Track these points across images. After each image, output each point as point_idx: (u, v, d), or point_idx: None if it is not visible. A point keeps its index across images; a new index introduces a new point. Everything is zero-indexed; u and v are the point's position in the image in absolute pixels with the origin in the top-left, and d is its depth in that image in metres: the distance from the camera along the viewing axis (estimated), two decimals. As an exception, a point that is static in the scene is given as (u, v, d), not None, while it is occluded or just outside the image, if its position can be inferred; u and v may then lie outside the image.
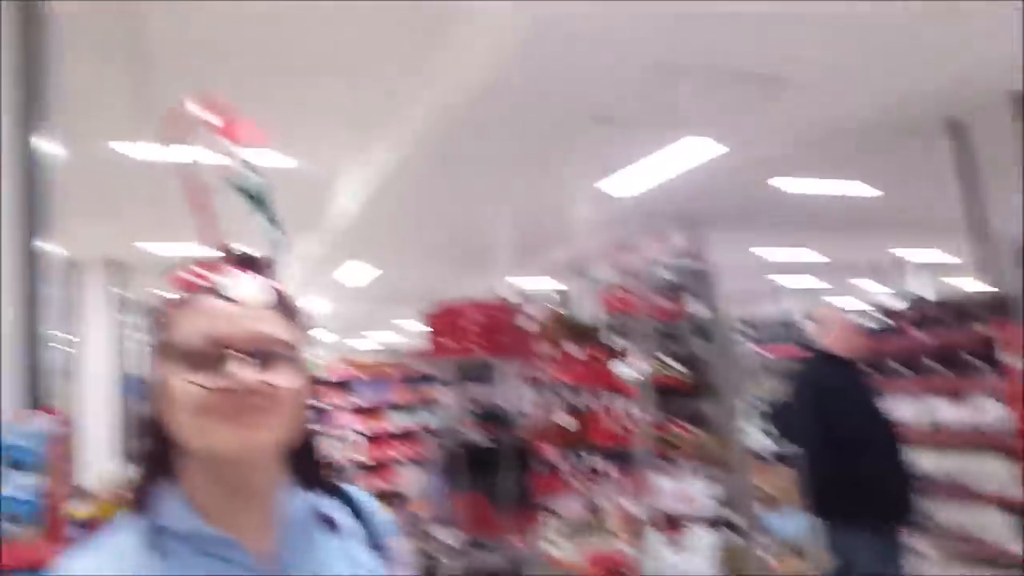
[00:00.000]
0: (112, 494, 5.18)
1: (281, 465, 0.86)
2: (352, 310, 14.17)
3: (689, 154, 5.29)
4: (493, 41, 2.96)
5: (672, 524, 3.26)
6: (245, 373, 0.77)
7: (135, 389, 11.01)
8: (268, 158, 6.05)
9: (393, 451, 9.83)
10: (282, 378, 0.80)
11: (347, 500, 0.96)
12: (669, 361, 3.26)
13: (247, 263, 0.87)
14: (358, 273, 10.06)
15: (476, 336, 4.39)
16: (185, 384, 0.78)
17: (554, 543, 3.86)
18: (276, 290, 0.86)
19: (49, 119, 2.85)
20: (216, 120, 0.88)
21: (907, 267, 13.45)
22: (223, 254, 0.86)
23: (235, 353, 0.78)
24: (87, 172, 5.46)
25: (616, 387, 3.46)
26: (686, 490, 3.17)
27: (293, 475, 0.88)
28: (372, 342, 19.48)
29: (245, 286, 0.83)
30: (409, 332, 16.62)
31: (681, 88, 4.07)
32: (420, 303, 5.58)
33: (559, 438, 3.85)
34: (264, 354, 0.79)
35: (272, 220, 0.94)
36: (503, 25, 2.83)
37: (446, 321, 4.53)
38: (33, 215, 2.69)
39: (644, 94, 4.24)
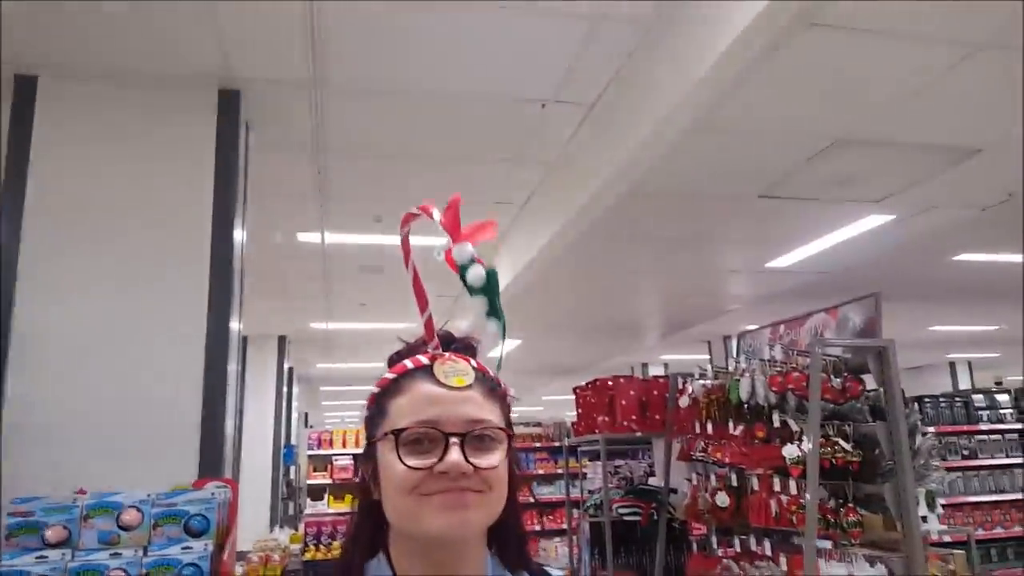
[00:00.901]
0: (264, 558, 5.56)
1: (486, 546, 0.88)
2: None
3: (863, 226, 5.12)
4: (666, 116, 3.05)
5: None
6: (459, 457, 0.79)
7: (289, 456, 11.78)
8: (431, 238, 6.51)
9: (539, 524, 9.84)
10: (492, 460, 0.82)
11: None
12: (839, 441, 3.09)
13: (459, 346, 0.92)
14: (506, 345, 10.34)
15: (629, 412, 4.38)
16: (400, 465, 0.80)
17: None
18: (485, 373, 0.89)
19: (240, 210, 3.25)
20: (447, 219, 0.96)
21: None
22: (435, 337, 0.90)
23: (450, 437, 0.80)
24: (268, 257, 6.10)
25: (778, 466, 3.31)
26: (852, 574, 2.95)
27: (497, 555, 0.90)
28: (516, 415, 19.64)
29: (458, 370, 0.85)
30: (554, 404, 16.70)
31: (857, 162, 4.00)
32: (569, 376, 5.66)
33: (714, 517, 3.72)
34: (476, 437, 0.82)
35: (495, 310, 0.97)
36: (678, 102, 2.93)
37: (597, 395, 4.56)
38: (223, 298, 3.04)
39: (819, 169, 4.18)
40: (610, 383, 4.47)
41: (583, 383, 4.80)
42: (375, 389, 0.89)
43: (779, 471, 3.31)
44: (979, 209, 4.88)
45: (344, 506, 9.73)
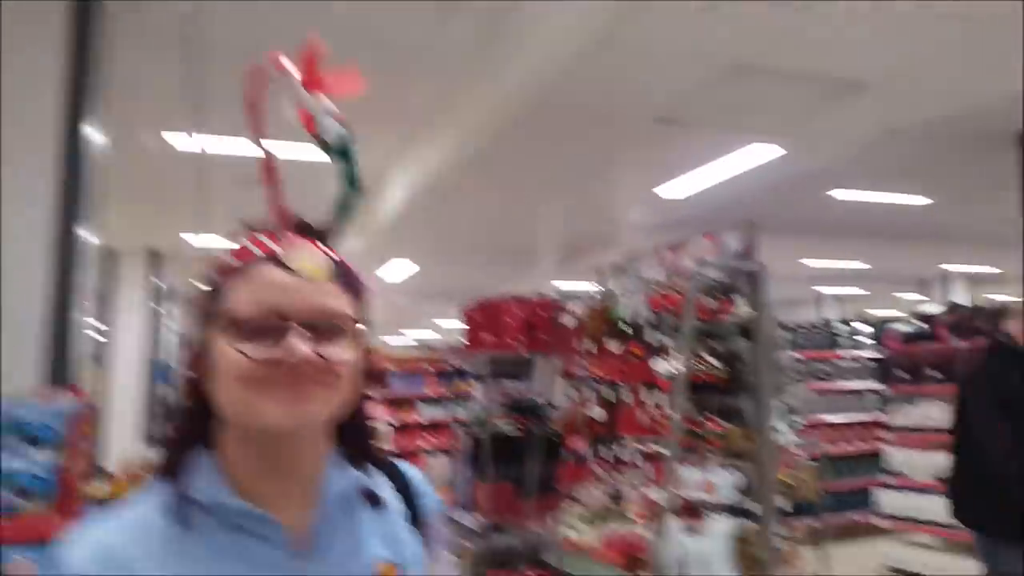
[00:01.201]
0: (131, 475, 5.38)
1: (329, 440, 0.83)
2: (391, 306, 14.34)
3: (749, 158, 5.27)
4: (559, 40, 2.97)
5: (692, 511, 3.27)
6: (301, 345, 0.73)
7: (164, 376, 11.32)
8: (316, 153, 6.19)
9: (422, 441, 10.01)
10: (339, 351, 0.76)
11: (396, 476, 0.92)
12: (708, 358, 3.25)
13: (310, 233, 0.83)
14: (398, 270, 10.19)
15: (515, 331, 4.43)
16: (235, 354, 0.74)
17: (573, 527, 3.89)
18: (338, 261, 0.81)
19: (97, 107, 2.92)
20: (300, 70, 0.83)
21: (953, 279, 13.14)
22: (285, 224, 0.81)
23: (292, 325, 0.74)
24: (133, 161, 5.64)
25: (650, 381, 3.46)
26: (710, 480, 3.17)
27: (341, 449, 0.85)
28: (408, 339, 19.69)
29: (306, 256, 0.78)
30: (446, 330, 16.81)
31: (751, 90, 4.06)
32: (461, 301, 5.65)
33: (589, 430, 3.87)
34: (322, 327, 0.76)
35: (351, 177, 0.88)
36: (571, 25, 2.84)
37: (485, 316, 4.58)
38: (73, 202, 2.76)
39: (714, 96, 4.23)
40: (498, 304, 4.49)
41: (473, 305, 4.80)
42: (215, 273, 0.80)
43: (651, 386, 3.46)
44: (863, 146, 5.14)
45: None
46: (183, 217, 8.14)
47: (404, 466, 0.95)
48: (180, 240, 9.32)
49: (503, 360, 4.74)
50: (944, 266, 12.22)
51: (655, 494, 3.26)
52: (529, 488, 4.22)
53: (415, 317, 16.20)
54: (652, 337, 3.45)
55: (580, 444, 4.07)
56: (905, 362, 5.71)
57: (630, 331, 3.75)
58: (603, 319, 3.87)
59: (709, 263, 3.32)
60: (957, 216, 7.89)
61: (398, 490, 0.91)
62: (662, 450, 3.56)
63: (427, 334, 19.02)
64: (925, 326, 5.91)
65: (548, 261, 7.95)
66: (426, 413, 10.19)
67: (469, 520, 4.42)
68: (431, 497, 0.95)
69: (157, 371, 11.01)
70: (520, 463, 4.51)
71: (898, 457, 5.48)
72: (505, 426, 4.27)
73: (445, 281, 10.82)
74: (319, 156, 0.90)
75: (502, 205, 6.64)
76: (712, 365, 3.27)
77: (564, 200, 6.51)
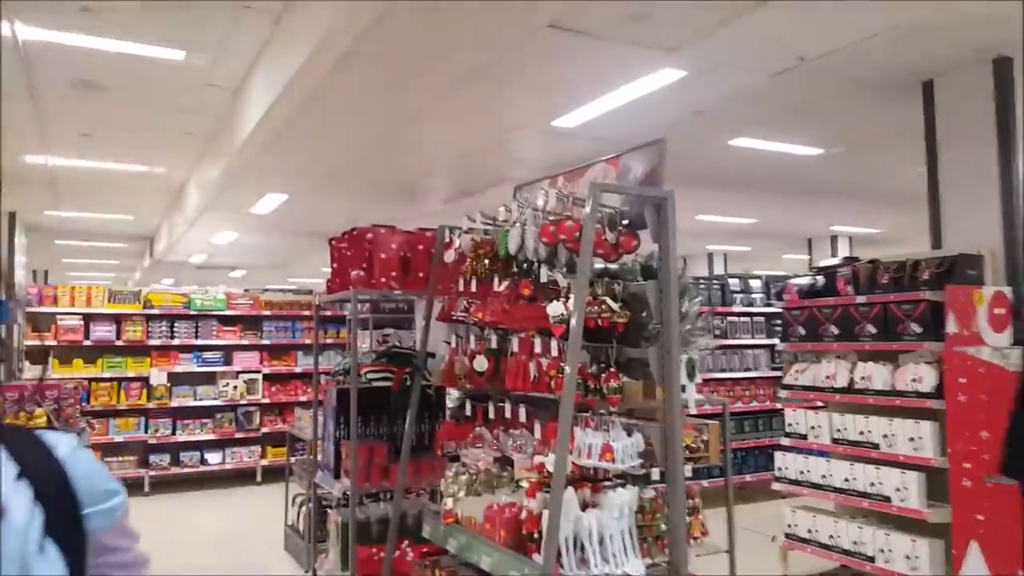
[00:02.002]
0: None
1: None
2: (266, 246, 13.23)
3: (649, 81, 4.78)
4: None
5: (588, 480, 2.85)
6: None
7: (6, 315, 9.92)
8: (157, 51, 5.24)
9: (300, 393, 9.35)
10: None
11: (36, 461, 0.70)
12: (607, 300, 2.78)
13: None
14: (267, 201, 9.20)
15: (387, 267, 3.81)
16: None
17: (453, 496, 3.41)
18: None
19: None
20: None
21: (838, 240, 13.52)
22: None
23: None
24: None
25: (541, 327, 2.97)
26: (608, 443, 2.73)
27: None
28: (288, 284, 18.54)
29: None
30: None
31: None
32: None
33: (472, 382, 3.36)
34: None
35: None
36: None
37: (354, 248, 3.93)
38: None
39: (613, 4, 3.68)
40: (369, 234, 3.84)
41: (339, 234, 4.13)
42: None
43: (542, 332, 2.97)
44: (768, 75, 4.78)
45: (73, 371, 8.42)
46: (20, 131, 6.90)
47: (56, 442, 0.74)
48: (23, 161, 7.99)
49: (377, 302, 4.14)
50: (833, 227, 12.51)
51: (546, 460, 2.79)
52: (403, 449, 3.68)
53: (292, 258, 15.10)
54: (544, 275, 2.94)
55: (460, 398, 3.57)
56: (803, 317, 5.51)
57: (519, 268, 3.23)
58: (489, 254, 3.33)
59: (609, 187, 2.82)
60: (850, 169, 7.86)
61: (40, 482, 0.69)
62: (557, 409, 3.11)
63: (310, 281, 17.96)
64: (822, 280, 5.71)
65: (434, 200, 7.29)
66: (304, 363, 9.52)
67: (334, 485, 3.85)
68: (93, 487, 0.74)
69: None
70: (392, 419, 3.97)
71: (795, 417, 5.31)
72: (375, 376, 3.69)
73: (322, 218, 9.91)
74: None
75: (381, 129, 5.90)
76: (612, 309, 2.80)
77: (449, 125, 5.85)
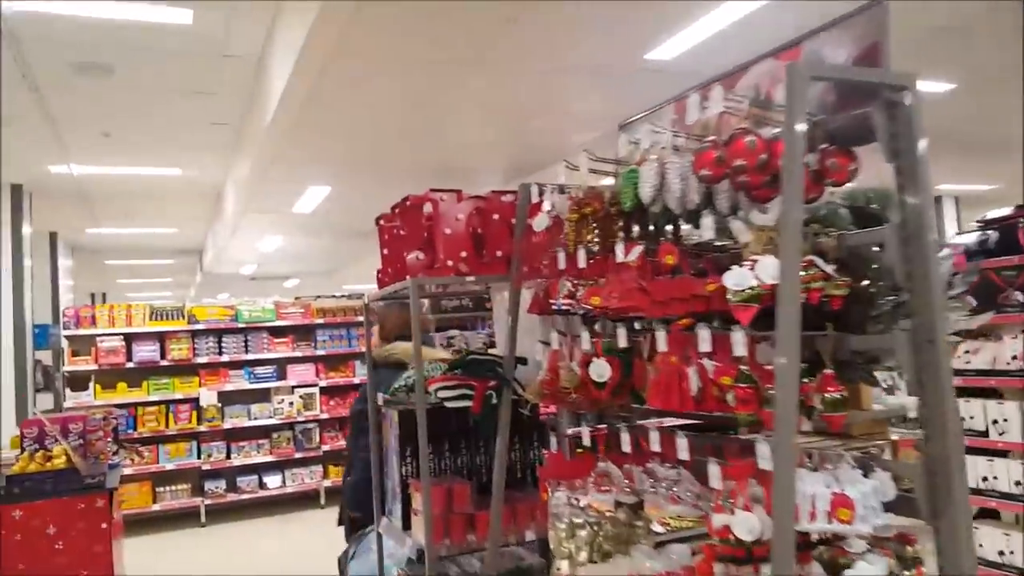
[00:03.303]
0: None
1: None
2: (315, 249, 12.49)
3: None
4: None
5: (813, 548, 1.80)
6: None
7: (43, 339, 9.38)
8: (161, 12, 4.38)
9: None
10: None
11: None
12: (814, 260, 1.71)
13: None
14: (310, 197, 8.35)
15: (457, 244, 2.81)
16: None
17: (570, 557, 2.42)
18: None
19: None
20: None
21: (943, 200, 11.98)
22: None
23: None
24: None
25: (701, 311, 1.92)
26: (841, 491, 1.67)
27: None
28: (341, 289, 17.87)
29: None
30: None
31: None
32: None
33: (586, 398, 2.34)
34: None
35: None
36: None
37: (410, 224, 2.93)
38: None
39: None
40: (427, 204, 2.85)
41: (389, 209, 3.15)
42: None
43: (704, 317, 1.92)
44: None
45: (116, 396, 7.77)
46: (34, 135, 6.20)
47: None
48: (47, 171, 7.34)
49: (440, 295, 3.16)
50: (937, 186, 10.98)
51: (735, 521, 1.74)
52: (495, 490, 2.68)
53: (343, 262, 14.32)
54: (708, 228, 1.88)
55: (570, 420, 2.55)
56: (975, 283, 4.23)
57: (651, 228, 2.18)
58: (601, 212, 2.28)
59: (834, 69, 1.74)
60: (982, 109, 6.50)
61: None
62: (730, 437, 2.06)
63: (362, 287, 17.23)
64: (995, 235, 4.46)
65: (491, 179, 6.28)
66: (363, 372, 8.70)
67: (403, 541, 2.89)
68: None
69: (37, 332, 9.12)
70: (475, 448, 2.97)
71: (969, 409, 4.15)
72: (449, 394, 2.69)
73: (368, 213, 9.04)
74: None
75: (413, 86, 4.90)
76: (825, 274, 1.73)
77: (501, 75, 4.82)
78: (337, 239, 11.07)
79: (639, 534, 2.53)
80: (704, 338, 1.86)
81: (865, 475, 1.75)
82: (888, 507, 1.72)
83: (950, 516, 1.68)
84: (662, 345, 1.96)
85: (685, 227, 2.27)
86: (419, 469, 2.86)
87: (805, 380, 1.82)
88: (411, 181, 7.84)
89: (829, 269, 1.77)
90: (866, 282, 1.82)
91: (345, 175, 7.26)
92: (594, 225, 2.32)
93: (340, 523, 3.74)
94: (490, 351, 3.00)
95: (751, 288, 1.67)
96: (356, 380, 8.65)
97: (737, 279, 1.68)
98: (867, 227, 1.91)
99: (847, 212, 1.99)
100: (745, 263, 1.72)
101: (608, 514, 2.54)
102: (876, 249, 1.84)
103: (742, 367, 1.83)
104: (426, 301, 4.15)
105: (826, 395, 1.76)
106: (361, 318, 8.69)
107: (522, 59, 4.43)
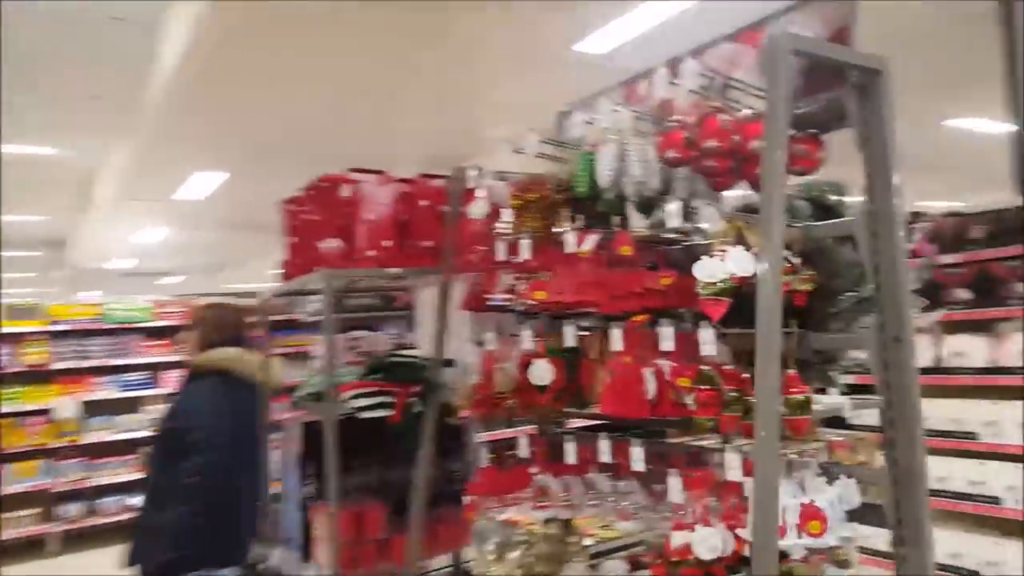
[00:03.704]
0: None
1: None
2: (202, 244, 11.63)
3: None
4: None
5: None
6: None
7: None
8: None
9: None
10: None
11: None
12: (787, 255, 1.58)
13: None
14: (197, 182, 7.69)
15: (380, 232, 2.53)
16: None
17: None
18: None
19: None
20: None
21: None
22: None
23: None
24: None
25: (663, 308, 1.76)
26: (812, 502, 1.55)
27: None
28: (229, 287, 16.79)
29: None
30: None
31: None
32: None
33: (524, 404, 2.13)
34: None
35: None
36: None
37: (325, 208, 2.63)
38: None
39: None
40: (346, 185, 2.56)
41: (300, 190, 2.83)
42: None
43: (665, 314, 1.76)
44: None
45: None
46: None
47: None
48: None
49: (346, 292, 2.87)
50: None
51: (696, 539, 1.57)
52: (408, 506, 2.41)
53: (237, 257, 13.43)
54: (674, 215, 1.72)
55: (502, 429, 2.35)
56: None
57: (601, 216, 2.01)
58: (547, 199, 2.09)
59: (815, 43, 1.62)
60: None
61: None
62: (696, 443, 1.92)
63: (252, 286, 16.29)
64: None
65: (406, 172, 5.95)
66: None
67: (303, 572, 2.56)
68: None
69: None
70: (393, 462, 2.69)
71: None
72: (366, 402, 2.40)
73: (268, 202, 8.47)
74: None
75: (323, 67, 4.57)
76: (793, 268, 1.61)
77: (422, 80, 4.58)
78: (229, 232, 10.31)
79: (572, 551, 2.35)
80: (667, 336, 1.70)
81: (829, 483, 1.65)
82: (855, 517, 1.62)
83: (915, 525, 1.59)
84: (617, 344, 1.79)
85: (637, 218, 2.12)
86: (324, 490, 2.55)
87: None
88: (317, 171, 7.35)
89: (796, 262, 1.66)
90: (831, 277, 1.73)
91: (242, 161, 6.70)
92: (538, 213, 2.13)
93: (133, 563, 2.56)
94: (407, 352, 2.74)
95: (723, 281, 1.52)
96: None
97: (709, 271, 1.53)
98: (824, 218, 1.82)
99: (806, 204, 1.90)
100: (715, 254, 1.58)
101: (540, 532, 2.35)
102: (832, 241, 1.76)
103: (703, 368, 1.69)
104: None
105: (789, 397, 1.65)
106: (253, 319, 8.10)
107: (442, 45, 4.20)
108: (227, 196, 7.85)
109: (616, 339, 1.78)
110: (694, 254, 1.97)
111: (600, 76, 2.56)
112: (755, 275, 1.54)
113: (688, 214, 1.91)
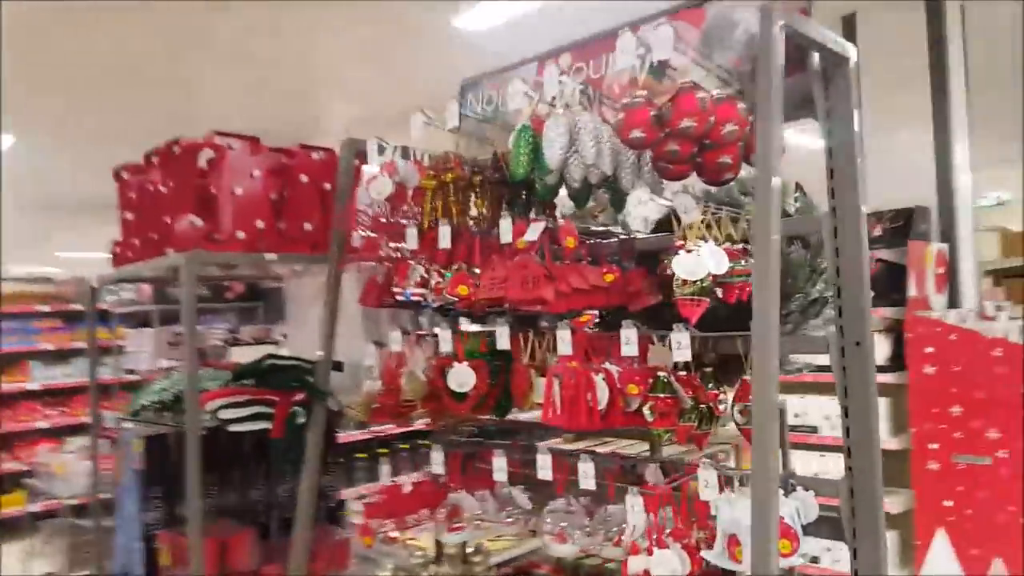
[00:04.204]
0: None
1: None
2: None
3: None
4: None
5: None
6: None
7: None
8: None
9: (41, 419, 6.86)
10: None
11: None
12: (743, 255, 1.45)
13: None
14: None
15: (250, 209, 2.11)
16: None
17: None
18: None
19: None
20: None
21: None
22: None
23: None
24: None
25: (607, 303, 1.57)
26: (783, 519, 1.44)
27: None
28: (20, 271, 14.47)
29: None
30: (80, 264, 12.35)
31: None
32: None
33: (435, 411, 1.86)
34: None
35: None
36: None
37: (178, 175, 2.14)
38: None
39: None
40: (209, 152, 2.11)
41: (145, 156, 2.31)
42: None
43: (617, 314, 1.57)
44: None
45: None
46: None
47: None
48: None
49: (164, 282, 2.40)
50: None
51: (654, 563, 1.41)
52: (285, 529, 2.04)
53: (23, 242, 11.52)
54: (637, 205, 1.53)
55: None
56: None
57: (545, 198, 1.77)
58: (470, 181, 1.82)
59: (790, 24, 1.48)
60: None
61: None
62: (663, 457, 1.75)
63: (48, 270, 14.15)
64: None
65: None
66: (45, 375, 6.95)
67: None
68: None
69: None
70: (261, 483, 2.28)
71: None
72: (240, 413, 1.98)
73: (66, 176, 7.24)
74: None
75: (160, 39, 3.93)
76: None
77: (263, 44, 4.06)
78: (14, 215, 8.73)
79: (478, 572, 2.12)
80: (630, 338, 1.50)
81: (785, 492, 1.55)
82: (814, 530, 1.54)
83: (872, 536, 1.54)
84: (565, 347, 1.56)
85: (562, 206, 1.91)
86: (173, 516, 2.11)
87: (706, 383, 1.58)
88: (128, 148, 6.43)
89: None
90: (782, 277, 1.63)
91: (37, 127, 5.61)
92: (454, 196, 1.85)
93: None
94: (281, 354, 2.33)
95: (702, 280, 1.35)
96: (34, 386, 6.86)
97: (689, 268, 1.35)
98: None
99: (749, 200, 1.80)
100: (690, 249, 1.40)
101: (442, 553, 2.09)
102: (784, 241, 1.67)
103: (660, 374, 1.52)
104: None
105: (749, 404, 1.53)
106: (47, 308, 6.92)
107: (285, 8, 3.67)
108: (10, 166, 6.60)
109: (564, 341, 1.56)
110: (628, 248, 1.83)
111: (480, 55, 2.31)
112: (727, 273, 1.40)
113: (619, 203, 1.75)
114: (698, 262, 1.35)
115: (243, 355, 4.13)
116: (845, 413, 1.55)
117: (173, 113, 4.92)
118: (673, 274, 1.44)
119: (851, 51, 1.55)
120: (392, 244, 1.92)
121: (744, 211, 1.58)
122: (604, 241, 1.86)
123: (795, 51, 1.57)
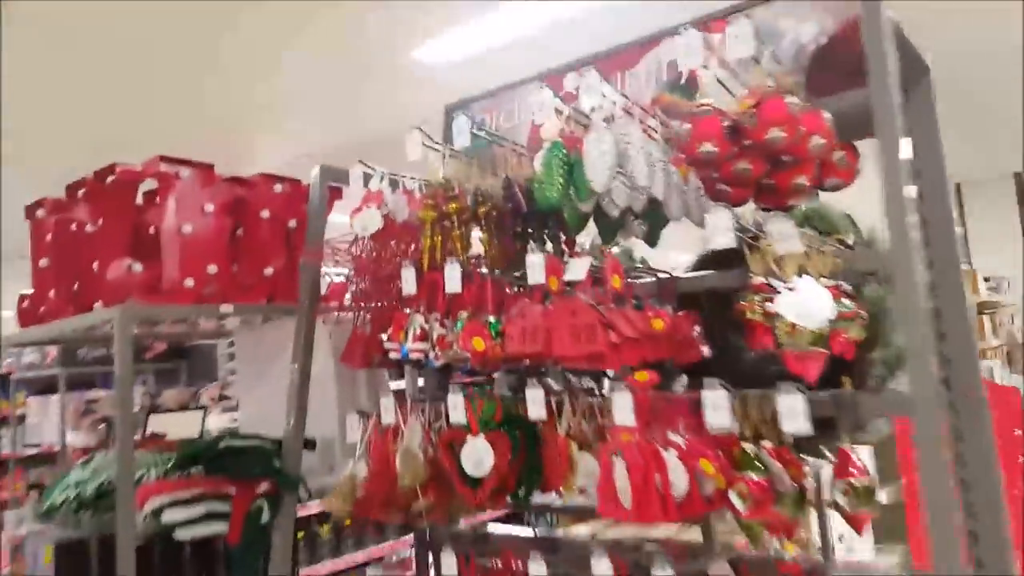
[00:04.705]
0: None
1: None
2: None
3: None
4: None
5: None
6: None
7: None
8: None
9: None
10: None
11: None
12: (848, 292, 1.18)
13: None
14: None
15: (200, 251, 1.71)
16: None
17: None
18: None
19: None
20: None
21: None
22: None
23: None
24: None
25: (658, 357, 1.26)
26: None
27: None
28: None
29: None
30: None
31: None
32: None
33: (443, 504, 1.49)
34: None
35: None
36: None
37: (113, 217, 1.74)
38: None
39: None
40: (151, 180, 1.73)
41: (69, 186, 1.90)
42: None
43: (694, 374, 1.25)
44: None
45: None
46: None
47: None
48: None
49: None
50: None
51: None
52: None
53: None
54: (718, 232, 1.23)
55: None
56: None
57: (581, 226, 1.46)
58: (468, 207, 1.50)
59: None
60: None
61: None
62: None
63: None
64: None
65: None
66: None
67: None
68: None
69: None
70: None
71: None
72: (185, 513, 1.55)
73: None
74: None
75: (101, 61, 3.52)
76: (855, 312, 1.21)
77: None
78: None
79: None
80: (717, 404, 1.17)
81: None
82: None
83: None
84: (625, 416, 1.23)
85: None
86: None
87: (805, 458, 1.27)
88: (44, 181, 5.82)
89: (851, 305, 1.26)
90: (879, 321, 1.36)
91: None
92: (457, 231, 1.52)
93: None
94: (243, 434, 1.91)
95: (827, 325, 1.05)
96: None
97: (803, 310, 1.05)
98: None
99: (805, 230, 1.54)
100: (786, 288, 1.11)
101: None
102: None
103: (747, 446, 1.21)
104: None
105: (853, 481, 1.23)
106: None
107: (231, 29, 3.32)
108: None
109: (623, 407, 1.23)
110: (669, 289, 1.54)
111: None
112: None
113: (654, 237, 1.48)
114: (811, 303, 1.06)
115: (164, 424, 3.60)
116: (969, 487, 1.26)
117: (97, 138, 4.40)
118: (751, 319, 1.16)
119: (930, 60, 1.34)
120: (380, 288, 1.57)
121: (824, 241, 1.31)
122: (638, 281, 1.56)
123: (846, 61, 1.34)
